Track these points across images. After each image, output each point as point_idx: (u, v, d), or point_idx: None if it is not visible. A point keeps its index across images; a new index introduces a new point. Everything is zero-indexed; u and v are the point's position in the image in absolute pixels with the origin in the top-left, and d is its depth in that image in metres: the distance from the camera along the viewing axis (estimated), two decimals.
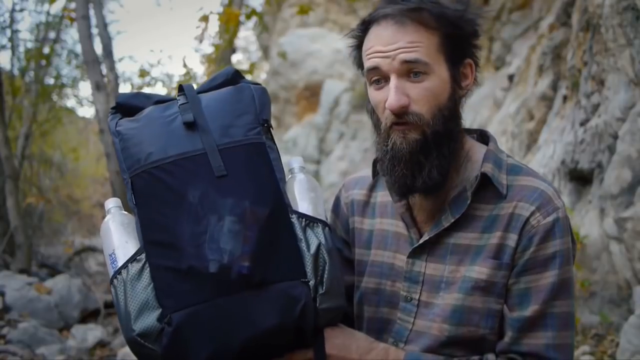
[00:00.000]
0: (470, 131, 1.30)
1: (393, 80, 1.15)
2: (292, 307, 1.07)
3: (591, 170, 3.92)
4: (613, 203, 3.53)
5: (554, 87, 5.16)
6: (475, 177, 1.20)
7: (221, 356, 1.07)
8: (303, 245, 1.11)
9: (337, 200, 1.44)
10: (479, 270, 1.17)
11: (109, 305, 6.37)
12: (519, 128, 5.47)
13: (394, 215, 1.30)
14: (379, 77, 1.17)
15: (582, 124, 4.12)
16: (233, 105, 1.19)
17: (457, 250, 1.20)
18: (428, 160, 1.16)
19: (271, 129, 1.21)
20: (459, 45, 1.18)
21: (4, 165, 7.43)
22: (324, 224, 1.15)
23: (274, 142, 1.21)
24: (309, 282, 1.09)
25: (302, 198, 1.17)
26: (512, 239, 1.16)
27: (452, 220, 1.20)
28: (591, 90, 4.07)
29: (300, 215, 1.13)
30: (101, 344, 5.50)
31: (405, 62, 1.13)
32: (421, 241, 1.23)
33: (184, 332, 1.05)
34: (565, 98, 4.75)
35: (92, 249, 10.16)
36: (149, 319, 1.06)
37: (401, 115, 1.15)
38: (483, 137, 1.29)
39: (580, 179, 4.08)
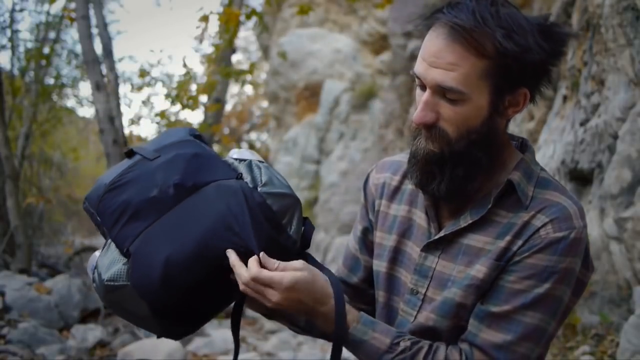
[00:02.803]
0: (513, 138, 1.28)
1: (426, 94, 1.14)
2: (233, 192, 1.17)
3: (591, 170, 3.92)
4: (613, 203, 3.53)
5: (554, 87, 5.16)
6: (502, 183, 1.19)
7: (180, 253, 1.13)
8: (235, 163, 1.25)
9: (367, 181, 1.44)
10: (478, 269, 1.17)
11: None
12: (519, 128, 5.48)
13: (421, 206, 1.29)
14: (421, 83, 1.16)
15: (582, 124, 4.12)
16: (164, 137, 1.36)
17: (468, 252, 1.19)
18: (440, 174, 1.17)
19: (203, 138, 1.35)
20: (515, 76, 1.11)
21: (4, 165, 7.43)
22: (261, 161, 1.26)
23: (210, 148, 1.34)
24: (245, 180, 1.20)
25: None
26: (517, 245, 1.15)
27: (470, 222, 1.19)
28: (591, 90, 4.07)
29: (234, 159, 1.27)
30: (101, 344, 5.50)
31: (439, 85, 1.11)
32: (437, 237, 1.23)
33: (142, 253, 1.16)
34: (565, 98, 4.75)
35: (92, 249, 10.15)
36: (116, 267, 1.18)
37: (428, 129, 1.15)
38: (523, 146, 1.27)
39: (580, 179, 4.08)
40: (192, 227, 1.15)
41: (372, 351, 1.17)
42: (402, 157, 1.37)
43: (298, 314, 1.20)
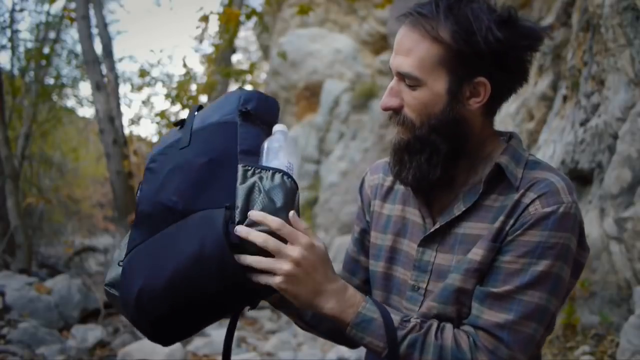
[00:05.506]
0: (502, 134, 1.31)
1: (392, 81, 1.21)
2: (211, 227, 1.09)
3: (591, 170, 3.92)
4: (613, 203, 3.53)
5: (554, 87, 5.16)
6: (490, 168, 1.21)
7: (152, 288, 1.11)
8: (239, 182, 1.15)
9: (362, 183, 1.47)
10: (475, 252, 1.18)
11: (109, 305, 6.37)
12: (519, 128, 5.47)
13: (414, 204, 1.31)
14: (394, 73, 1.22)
15: (582, 124, 4.13)
16: (219, 104, 1.32)
17: (465, 240, 1.20)
18: (409, 161, 1.22)
19: (251, 113, 1.25)
20: (470, 63, 1.15)
21: (4, 165, 7.43)
22: (277, 170, 1.15)
23: (260, 126, 1.25)
24: (235, 208, 1.11)
25: (268, 152, 1.21)
26: (509, 224, 1.17)
27: (464, 209, 1.21)
28: (591, 90, 4.07)
29: (248, 165, 1.16)
30: (101, 344, 5.50)
31: (398, 72, 1.19)
32: (432, 229, 1.24)
33: (128, 272, 1.17)
34: (565, 98, 4.75)
35: (92, 249, 10.16)
36: (115, 272, 1.20)
37: (396, 115, 1.21)
38: (510, 138, 1.30)
39: (580, 179, 4.08)
40: (168, 259, 1.11)
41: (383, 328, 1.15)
42: None
43: (306, 286, 1.13)
